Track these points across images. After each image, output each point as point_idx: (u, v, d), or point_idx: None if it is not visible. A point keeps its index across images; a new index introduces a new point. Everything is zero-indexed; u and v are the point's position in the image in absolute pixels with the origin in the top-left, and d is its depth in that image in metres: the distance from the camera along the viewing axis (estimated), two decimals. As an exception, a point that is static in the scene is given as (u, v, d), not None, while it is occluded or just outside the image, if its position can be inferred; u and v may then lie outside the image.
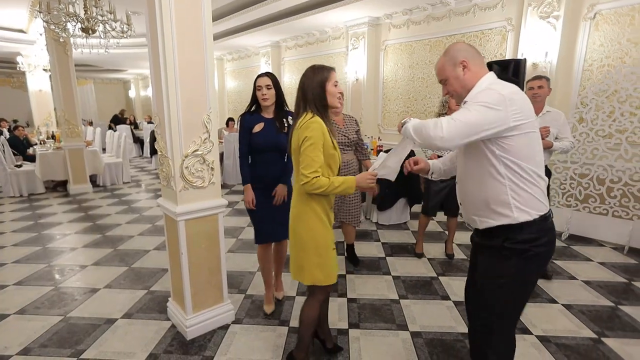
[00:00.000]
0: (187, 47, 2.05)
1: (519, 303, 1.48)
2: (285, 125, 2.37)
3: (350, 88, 6.61)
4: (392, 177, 1.76)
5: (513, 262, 1.39)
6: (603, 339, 2.28)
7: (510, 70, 4.09)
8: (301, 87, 1.75)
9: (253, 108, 2.45)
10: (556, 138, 3.00)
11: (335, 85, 1.76)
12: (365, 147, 3.38)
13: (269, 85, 2.32)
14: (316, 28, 6.99)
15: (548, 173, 3.12)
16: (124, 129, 10.99)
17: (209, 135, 2.21)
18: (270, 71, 8.32)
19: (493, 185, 1.39)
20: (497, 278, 1.44)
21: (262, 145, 2.38)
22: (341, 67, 6.96)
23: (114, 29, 4.18)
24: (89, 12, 4.04)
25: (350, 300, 2.76)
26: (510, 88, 1.35)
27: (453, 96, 1.52)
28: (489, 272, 1.47)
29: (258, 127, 2.38)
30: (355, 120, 3.24)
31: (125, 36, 4.31)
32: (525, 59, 4.15)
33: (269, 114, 2.41)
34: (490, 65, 4.26)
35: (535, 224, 1.36)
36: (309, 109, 1.71)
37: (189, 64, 2.07)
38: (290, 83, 8.35)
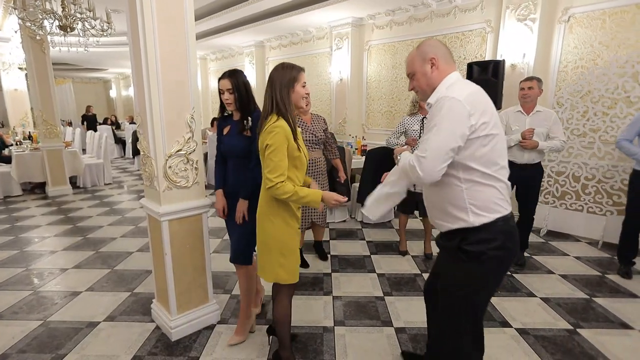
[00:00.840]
0: (170, 47, 2.04)
1: (478, 305, 1.49)
2: (247, 127, 2.09)
3: (334, 88, 6.65)
4: (373, 218, 1.70)
5: (469, 265, 1.40)
6: (578, 330, 2.37)
7: (489, 71, 4.19)
8: (270, 84, 1.75)
9: (227, 112, 2.23)
10: (547, 137, 3.08)
11: (303, 86, 1.80)
12: (335, 145, 3.42)
13: (229, 89, 2.07)
14: (300, 28, 7.00)
15: (540, 172, 3.19)
16: (104, 130, 10.75)
17: (193, 135, 2.20)
18: (255, 71, 8.34)
19: (451, 190, 1.40)
20: (455, 281, 1.46)
21: (223, 150, 2.21)
22: (325, 67, 6.99)
23: (93, 27, 4.08)
24: (66, 10, 3.94)
25: (335, 298, 2.79)
26: (470, 88, 1.35)
27: (418, 92, 1.52)
28: (448, 274, 1.51)
29: (225, 130, 2.22)
30: (324, 120, 3.29)
31: (105, 35, 4.22)
32: (504, 60, 4.25)
33: (237, 116, 2.19)
34: (471, 67, 4.37)
35: (491, 226, 1.37)
36: (274, 110, 1.72)
37: (171, 63, 2.06)
38: (274, 83, 8.32)
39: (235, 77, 2.08)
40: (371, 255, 3.61)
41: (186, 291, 2.33)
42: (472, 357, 1.58)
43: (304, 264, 3.32)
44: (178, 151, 2.15)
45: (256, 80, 8.47)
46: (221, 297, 2.81)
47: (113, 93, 16.49)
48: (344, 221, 4.66)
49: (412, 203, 3.44)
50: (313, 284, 3.02)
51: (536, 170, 3.15)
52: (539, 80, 3.09)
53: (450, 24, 5.10)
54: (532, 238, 4.01)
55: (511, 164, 3.05)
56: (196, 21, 7.06)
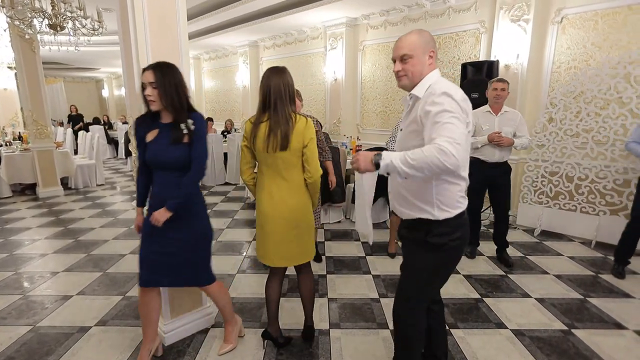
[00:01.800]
0: (162, 49, 2.01)
1: (433, 286, 1.66)
2: (185, 132, 1.77)
3: (328, 88, 6.63)
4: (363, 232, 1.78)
5: (432, 254, 1.52)
6: (573, 331, 2.38)
7: (483, 71, 4.21)
8: (279, 87, 1.88)
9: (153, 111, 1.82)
10: (514, 135, 3.18)
11: None
12: (327, 147, 3.29)
13: (152, 82, 1.72)
14: (294, 28, 6.97)
15: (509, 169, 3.29)
16: (96, 130, 10.62)
17: (185, 137, 2.16)
18: (249, 71, 8.29)
19: (422, 186, 1.47)
20: (419, 265, 1.57)
21: (149, 159, 1.82)
22: (319, 67, 6.97)
23: (84, 26, 4.02)
24: (56, 8, 3.87)
25: (330, 300, 2.77)
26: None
27: (402, 77, 1.48)
28: (416, 259, 1.58)
29: (151, 135, 1.81)
30: (317, 121, 3.14)
31: (96, 34, 4.16)
32: (497, 61, 4.28)
33: (167, 118, 1.82)
34: (465, 67, 4.38)
35: (452, 220, 1.48)
36: (290, 109, 1.89)
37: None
38: (269, 83, 8.28)
39: (160, 70, 1.74)
40: (366, 257, 3.60)
41: (180, 295, 2.30)
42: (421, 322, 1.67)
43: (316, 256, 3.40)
44: (170, 153, 2.11)
45: (250, 80, 8.42)
46: (215, 300, 2.77)
47: (105, 93, 16.31)
48: (339, 222, 4.64)
49: None
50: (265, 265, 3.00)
51: (506, 168, 3.26)
52: (508, 82, 3.19)
53: (444, 24, 5.11)
54: (526, 238, 4.03)
55: (481, 163, 3.14)
56: (189, 21, 7.02)
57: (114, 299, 2.80)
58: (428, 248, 1.51)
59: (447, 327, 2.42)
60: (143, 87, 1.75)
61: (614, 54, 3.74)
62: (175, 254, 1.90)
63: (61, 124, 11.55)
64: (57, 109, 14.40)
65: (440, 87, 1.37)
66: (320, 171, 1.95)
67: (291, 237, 1.96)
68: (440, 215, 1.47)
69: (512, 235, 4.09)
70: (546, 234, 4.10)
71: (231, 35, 7.56)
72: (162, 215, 1.78)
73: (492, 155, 3.16)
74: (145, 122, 1.85)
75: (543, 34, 4.21)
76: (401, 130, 1.59)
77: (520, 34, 4.21)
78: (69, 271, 3.29)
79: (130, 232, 4.32)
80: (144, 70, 1.76)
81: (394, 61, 1.49)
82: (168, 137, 1.78)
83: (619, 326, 2.43)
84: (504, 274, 3.20)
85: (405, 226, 1.62)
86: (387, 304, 2.71)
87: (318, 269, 3.31)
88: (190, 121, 1.79)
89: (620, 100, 3.60)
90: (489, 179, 3.22)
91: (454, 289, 2.94)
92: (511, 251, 3.67)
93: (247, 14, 6.50)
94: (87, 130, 9.80)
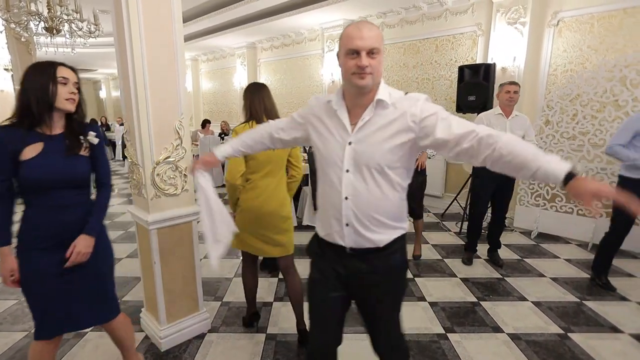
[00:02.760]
0: (157, 52, 2.00)
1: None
2: (85, 146, 1.57)
3: (326, 90, 6.63)
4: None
5: (405, 273, 1.40)
6: (569, 334, 2.39)
7: (480, 74, 4.22)
8: (263, 99, 2.22)
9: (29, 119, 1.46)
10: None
11: None
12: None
13: (76, 82, 1.54)
14: (292, 30, 6.97)
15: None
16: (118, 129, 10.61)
17: (181, 142, 2.16)
18: (247, 73, 8.30)
19: (398, 202, 1.28)
20: (400, 296, 1.42)
21: (38, 179, 1.46)
22: (317, 69, 6.97)
23: (80, 29, 4.01)
24: (52, 11, 3.86)
25: (328, 304, 2.77)
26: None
27: (367, 76, 1.16)
28: (392, 297, 1.40)
29: (32, 151, 1.45)
30: None
31: (93, 37, 4.15)
32: (494, 64, 4.29)
33: (54, 129, 1.51)
34: (462, 69, 4.39)
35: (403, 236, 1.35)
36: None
37: (159, 68, 2.02)
38: (266, 84, 8.27)
39: (77, 73, 1.56)
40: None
41: (176, 300, 2.29)
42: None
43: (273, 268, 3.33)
44: (166, 158, 2.11)
45: (248, 81, 8.39)
46: (212, 304, 2.77)
47: (103, 94, 16.29)
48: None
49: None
50: (303, 289, 2.99)
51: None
52: (520, 86, 3.19)
53: (441, 26, 5.12)
54: (523, 240, 4.04)
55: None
56: (187, 22, 7.03)
57: (110, 303, 2.78)
58: (405, 266, 1.38)
59: (444, 331, 2.43)
60: (60, 82, 1.47)
61: (610, 57, 3.76)
62: (86, 286, 1.60)
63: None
64: (54, 110, 14.33)
65: (409, 94, 1.23)
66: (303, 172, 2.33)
67: (281, 228, 2.18)
68: (405, 226, 1.34)
69: (509, 238, 4.10)
70: (543, 236, 4.11)
71: (229, 36, 7.56)
72: (86, 246, 1.53)
73: None
74: (15, 135, 1.43)
75: (539, 37, 4.22)
76: (351, 143, 1.23)
77: (517, 36, 4.23)
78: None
79: (127, 235, 4.30)
80: (64, 65, 1.52)
81: (356, 53, 1.15)
82: (61, 150, 1.49)
83: (615, 330, 2.43)
84: (500, 277, 3.21)
85: (375, 256, 1.29)
86: (384, 308, 2.71)
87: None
88: (92, 133, 1.60)
89: (617, 103, 3.61)
90: (498, 183, 3.20)
91: (451, 292, 2.94)
92: (508, 253, 3.68)
93: (245, 16, 6.50)
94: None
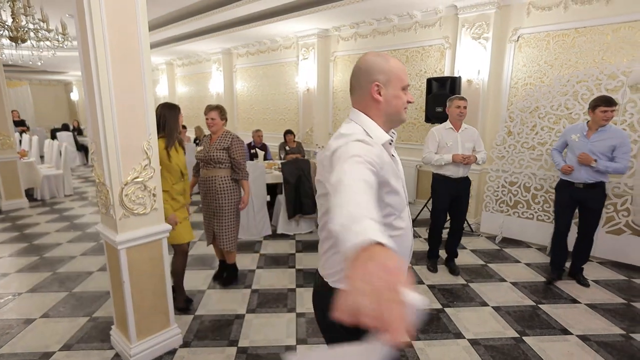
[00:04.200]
0: (124, 72, 2.02)
1: None
2: None
3: (301, 97, 6.71)
4: None
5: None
6: (524, 338, 2.55)
7: (447, 86, 4.39)
8: (177, 119, 2.75)
9: None
10: (474, 150, 3.40)
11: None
12: (241, 167, 3.07)
13: None
14: (267, 37, 7.02)
15: (469, 182, 3.52)
16: (64, 137, 10.30)
17: (150, 162, 2.19)
18: (223, 78, 8.26)
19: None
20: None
21: None
22: (292, 76, 7.04)
23: (47, 39, 3.93)
24: (17, 21, 3.78)
25: (299, 315, 2.84)
26: None
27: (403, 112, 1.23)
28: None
29: None
30: (231, 139, 3.05)
31: (61, 45, 4.07)
32: (460, 77, 4.48)
33: None
34: (430, 82, 4.56)
35: None
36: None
37: (125, 88, 2.04)
38: (242, 90, 8.30)
39: None
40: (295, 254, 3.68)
41: (146, 317, 2.32)
42: None
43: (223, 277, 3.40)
44: (135, 179, 2.14)
45: (224, 88, 8.39)
46: (183, 318, 2.79)
47: (74, 96, 15.79)
48: (311, 232, 4.72)
49: None
50: (277, 300, 3.06)
51: (469, 181, 3.50)
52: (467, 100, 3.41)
53: (411, 38, 5.29)
54: (488, 245, 4.24)
55: (447, 179, 3.37)
56: (161, 28, 6.96)
57: (80, 320, 2.77)
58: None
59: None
60: None
61: (564, 72, 4.00)
62: None
63: (26, 130, 11.09)
64: (23, 114, 13.81)
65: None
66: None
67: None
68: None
69: (475, 243, 4.29)
70: (507, 241, 4.32)
71: (204, 42, 7.53)
72: None
73: (457, 172, 3.34)
74: None
75: (502, 52, 4.44)
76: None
77: (481, 50, 4.43)
78: (33, 292, 3.23)
79: (99, 247, 4.25)
80: None
81: (405, 89, 1.21)
82: None
83: (564, 331, 2.62)
84: (465, 283, 3.37)
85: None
86: (300, 292, 2.80)
87: (288, 282, 3.38)
88: None
89: (570, 116, 3.85)
90: (454, 194, 3.41)
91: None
92: (473, 259, 3.86)
93: (221, 23, 6.50)
94: (54, 138, 9.48)
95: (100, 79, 1.94)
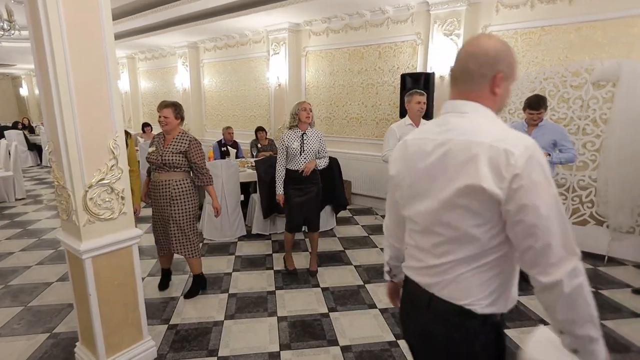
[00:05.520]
0: (83, 59, 1.83)
1: None
2: None
3: (272, 93, 6.55)
4: None
5: None
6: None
7: (421, 82, 4.42)
8: None
9: None
10: None
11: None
12: (203, 171, 2.88)
13: None
14: (235, 31, 6.78)
15: None
16: (14, 136, 9.51)
17: (117, 162, 2.01)
18: (189, 73, 7.91)
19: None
20: None
21: None
22: (263, 72, 6.86)
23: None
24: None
25: (280, 319, 2.73)
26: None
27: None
28: None
29: None
30: (189, 141, 2.80)
31: (8, 35, 3.70)
32: (434, 73, 4.52)
33: None
34: (404, 77, 4.57)
35: None
36: None
37: (87, 80, 1.85)
38: (210, 86, 8.00)
39: None
40: (272, 255, 3.62)
41: (116, 331, 2.13)
42: None
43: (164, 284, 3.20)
44: (100, 180, 1.94)
45: (190, 83, 8.05)
46: (157, 328, 2.62)
47: (24, 91, 14.66)
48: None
49: (300, 220, 3.46)
50: (256, 304, 2.94)
51: None
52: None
53: (384, 34, 5.28)
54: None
55: None
56: (120, 19, 6.54)
57: (39, 338, 2.52)
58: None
59: None
60: None
61: (531, 69, 4.13)
62: None
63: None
64: (-37, 110, 12.65)
65: None
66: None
67: None
68: None
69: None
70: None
71: (169, 35, 7.16)
72: None
73: None
74: None
75: (472, 48, 4.51)
76: None
77: (452, 47, 4.48)
78: None
79: (57, 255, 3.92)
80: None
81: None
82: None
83: (543, 322, 2.69)
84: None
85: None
86: (337, 318, 2.75)
87: (267, 285, 3.26)
88: None
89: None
90: None
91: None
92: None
93: (185, 15, 6.19)
94: (2, 136, 8.71)
95: (57, 71, 1.74)
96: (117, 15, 6.55)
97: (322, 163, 3.35)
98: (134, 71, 9.94)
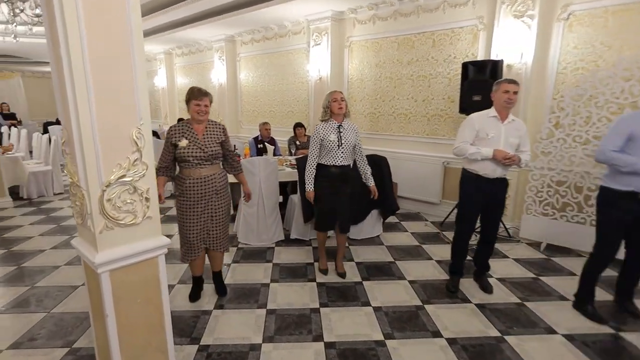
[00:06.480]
0: (104, 38, 1.47)
1: None
2: None
3: (312, 87, 6.15)
4: None
5: None
6: (506, 337, 2.30)
7: (487, 71, 3.85)
8: None
9: None
10: (517, 149, 2.73)
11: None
12: (236, 157, 2.82)
13: None
14: (274, 22, 6.44)
15: (507, 184, 2.86)
16: (57, 130, 9.74)
17: (141, 155, 1.64)
18: (225, 68, 7.68)
19: None
20: None
21: None
22: (302, 65, 6.47)
23: (22, 11, 3.37)
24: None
25: (328, 346, 2.30)
26: None
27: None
28: None
29: None
30: (223, 129, 2.66)
31: (39, 20, 3.51)
32: (502, 60, 3.93)
33: None
34: (466, 66, 4.02)
35: None
36: None
37: (106, 60, 1.49)
38: (247, 80, 7.72)
39: None
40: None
41: (137, 356, 1.78)
42: None
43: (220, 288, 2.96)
44: (121, 178, 1.59)
45: (227, 78, 7.82)
46: (186, 349, 2.27)
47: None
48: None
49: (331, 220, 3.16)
50: (299, 324, 2.53)
51: (506, 182, 2.85)
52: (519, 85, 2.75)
53: (438, 20, 4.72)
54: (532, 253, 3.72)
55: (480, 178, 2.73)
56: (157, 11, 6.37)
57: (56, 353, 2.22)
58: None
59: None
60: None
61: (625, 54, 3.45)
62: None
63: (17, 124, 10.48)
64: (15, 107, 13.19)
65: None
66: None
67: None
68: None
69: (516, 251, 3.77)
70: (552, 249, 3.79)
71: (205, 28, 6.95)
72: None
73: (495, 171, 2.70)
74: None
75: (548, 32, 3.88)
76: None
77: (524, 31, 3.87)
78: (3, 314, 2.68)
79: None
80: None
81: None
82: None
83: (549, 331, 2.09)
84: (519, 301, 2.84)
85: None
86: (395, 348, 2.27)
87: (309, 300, 2.84)
88: None
89: (635, 105, 3.30)
90: (488, 197, 2.78)
91: (468, 324, 2.53)
92: (522, 271, 3.32)
93: (223, 5, 5.93)
94: (46, 132, 8.91)
95: (70, 45, 1.39)
96: (154, 7, 6.39)
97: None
98: (171, 67, 9.90)
